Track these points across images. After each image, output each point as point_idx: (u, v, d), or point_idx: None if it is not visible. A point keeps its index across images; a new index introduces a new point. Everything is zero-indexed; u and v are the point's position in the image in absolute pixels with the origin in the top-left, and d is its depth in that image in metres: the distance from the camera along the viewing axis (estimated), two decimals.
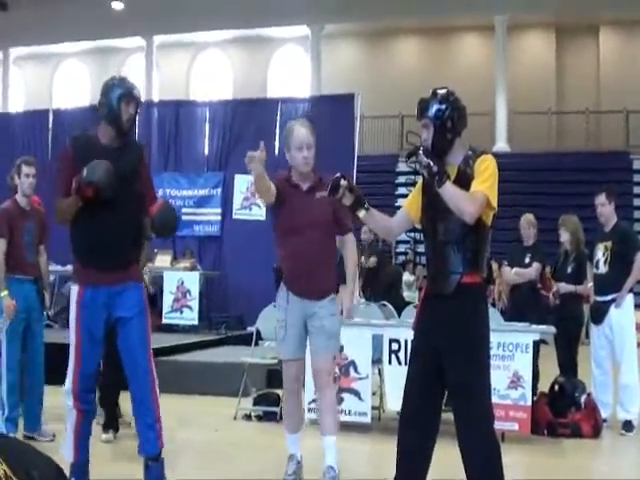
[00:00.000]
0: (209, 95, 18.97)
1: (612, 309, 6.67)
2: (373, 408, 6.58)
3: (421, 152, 3.42)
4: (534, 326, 6.43)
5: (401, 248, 18.40)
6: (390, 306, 7.64)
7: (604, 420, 6.59)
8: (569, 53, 22.09)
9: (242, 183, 11.42)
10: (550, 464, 5.62)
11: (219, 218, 12.55)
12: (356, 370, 6.40)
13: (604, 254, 6.73)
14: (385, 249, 11.09)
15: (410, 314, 6.08)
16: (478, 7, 20.35)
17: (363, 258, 10.51)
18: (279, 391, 6.92)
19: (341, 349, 6.35)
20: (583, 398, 6.52)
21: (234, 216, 11.99)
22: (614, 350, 6.72)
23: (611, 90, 20.73)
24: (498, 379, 6.13)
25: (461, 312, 3.47)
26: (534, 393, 6.40)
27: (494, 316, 6.85)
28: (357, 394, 6.37)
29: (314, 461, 4.70)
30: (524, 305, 7.30)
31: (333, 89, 16.66)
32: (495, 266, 9.01)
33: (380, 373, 6.60)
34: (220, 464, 5.27)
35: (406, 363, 3.81)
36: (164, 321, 10.78)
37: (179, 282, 10.80)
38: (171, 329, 10.95)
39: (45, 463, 2.12)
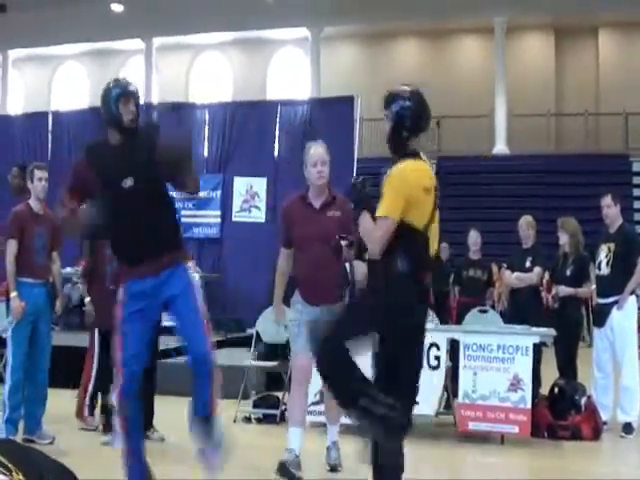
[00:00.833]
0: (208, 97, 18.96)
1: (614, 311, 6.66)
2: None
3: (358, 184, 3.59)
4: (534, 329, 6.42)
5: None
6: None
7: (604, 423, 6.58)
8: (568, 55, 22.09)
9: (241, 185, 11.42)
10: (550, 467, 5.62)
11: (218, 220, 12.53)
12: None
13: (607, 255, 6.72)
14: None
15: None
16: (477, 9, 20.35)
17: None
18: (279, 394, 6.92)
19: None
20: (583, 400, 6.51)
21: (233, 218, 11.98)
22: (615, 352, 6.71)
23: (610, 92, 20.72)
24: (498, 382, 6.14)
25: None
26: (535, 397, 6.39)
27: (493, 319, 6.87)
28: None
29: (313, 462, 4.69)
30: (524, 307, 7.29)
31: (332, 91, 16.65)
32: (495, 269, 9.00)
33: None
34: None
35: None
36: (164, 323, 10.76)
37: None
38: (171, 332, 10.92)
39: (58, 470, 2.10)
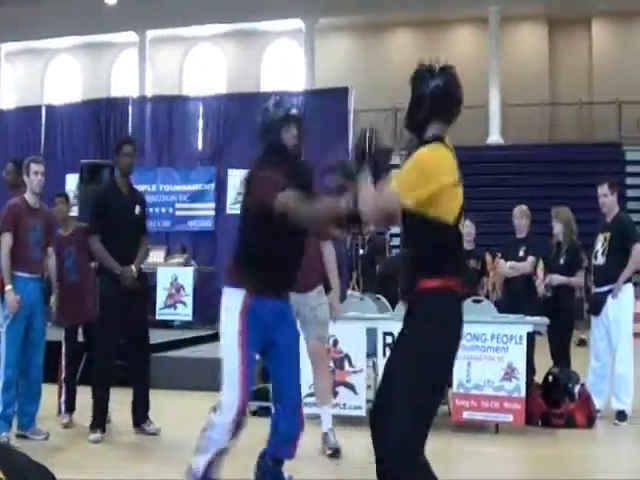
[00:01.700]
0: (202, 90, 18.95)
1: (609, 300, 6.69)
2: (368, 401, 6.57)
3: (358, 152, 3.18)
4: (528, 317, 6.45)
5: (395, 241, 18.39)
6: (384, 299, 7.65)
7: (598, 411, 6.61)
8: (562, 45, 22.10)
9: (235, 178, 11.41)
10: (544, 454, 5.65)
11: (213, 213, 12.55)
12: (351, 364, 6.40)
13: (603, 245, 6.75)
14: (379, 241, 11.07)
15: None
16: None
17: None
18: None
19: (335, 343, 6.38)
20: (577, 389, 6.54)
21: (228, 211, 11.98)
22: (611, 341, 6.74)
23: (604, 81, 20.74)
24: (492, 371, 6.16)
25: (414, 320, 3.22)
26: (529, 385, 6.42)
27: (487, 308, 6.89)
28: (352, 388, 6.38)
29: (307, 454, 4.71)
30: (518, 297, 7.31)
31: (327, 83, 16.64)
32: (489, 258, 9.01)
33: (374, 366, 6.61)
34: None
35: None
36: (158, 317, 10.77)
37: (173, 278, 10.79)
38: (165, 325, 10.94)
39: (41, 472, 2.09)
